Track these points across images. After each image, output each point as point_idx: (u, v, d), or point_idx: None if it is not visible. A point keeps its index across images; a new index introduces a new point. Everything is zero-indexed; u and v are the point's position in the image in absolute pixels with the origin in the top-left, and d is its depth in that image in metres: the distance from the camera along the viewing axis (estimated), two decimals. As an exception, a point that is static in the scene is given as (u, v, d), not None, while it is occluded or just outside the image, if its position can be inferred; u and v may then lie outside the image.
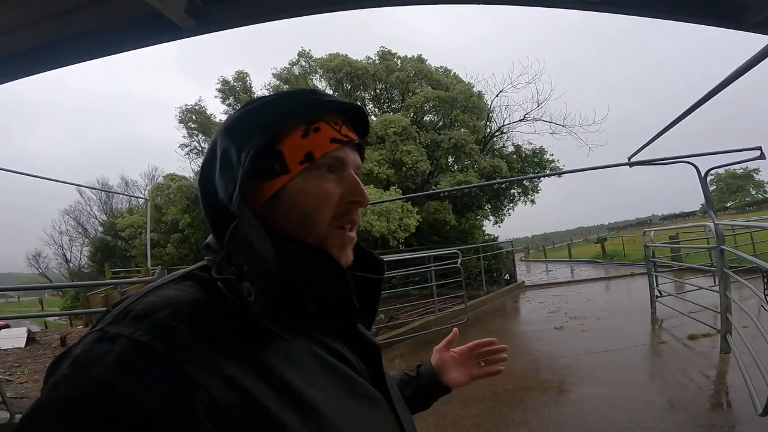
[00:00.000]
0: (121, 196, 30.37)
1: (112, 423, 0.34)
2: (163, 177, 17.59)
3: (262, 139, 0.51)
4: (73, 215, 32.52)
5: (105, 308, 0.48)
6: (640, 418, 2.96)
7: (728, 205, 53.16)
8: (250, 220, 0.49)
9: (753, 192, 55.07)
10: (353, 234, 0.57)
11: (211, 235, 0.55)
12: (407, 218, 10.72)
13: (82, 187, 28.23)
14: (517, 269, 12.33)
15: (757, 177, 52.96)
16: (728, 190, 54.67)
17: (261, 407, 0.40)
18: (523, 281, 11.68)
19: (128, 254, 19.15)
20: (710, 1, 1.09)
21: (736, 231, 9.50)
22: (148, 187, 27.72)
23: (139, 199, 23.37)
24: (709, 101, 2.66)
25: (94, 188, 29.91)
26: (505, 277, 11.57)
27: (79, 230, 32.62)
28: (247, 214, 0.49)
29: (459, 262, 6.73)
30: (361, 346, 0.57)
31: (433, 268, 7.20)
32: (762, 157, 3.68)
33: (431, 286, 7.33)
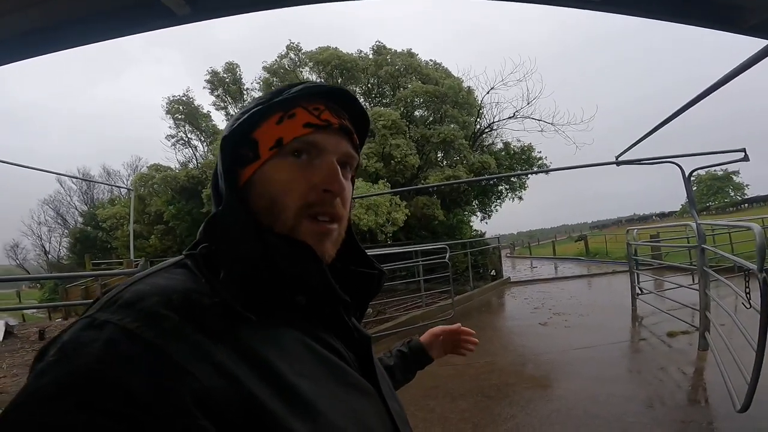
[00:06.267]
0: (102, 186, 29.66)
1: (98, 411, 0.34)
2: (147, 167, 17.26)
3: (237, 127, 0.53)
4: (52, 205, 31.73)
5: (85, 300, 0.47)
6: (621, 413, 3.03)
7: (709, 205, 54.40)
8: (233, 205, 0.51)
9: (732, 194, 56.46)
10: (332, 226, 0.54)
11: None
12: (395, 212, 10.72)
13: (62, 177, 27.50)
14: (503, 265, 12.46)
15: (736, 179, 54.30)
16: (708, 192, 55.97)
17: (250, 396, 0.40)
18: (509, 277, 11.81)
19: (109, 246, 18.75)
20: (708, 5, 1.10)
21: (715, 231, 9.77)
22: (130, 178, 27.16)
23: (122, 190, 22.84)
24: (695, 103, 2.70)
25: (74, 177, 29.08)
26: (492, 273, 11.69)
27: (59, 221, 31.88)
28: (230, 198, 0.51)
29: (447, 257, 6.77)
30: (352, 337, 0.57)
31: (420, 262, 7.22)
32: (746, 158, 3.77)
33: (419, 281, 7.36)
